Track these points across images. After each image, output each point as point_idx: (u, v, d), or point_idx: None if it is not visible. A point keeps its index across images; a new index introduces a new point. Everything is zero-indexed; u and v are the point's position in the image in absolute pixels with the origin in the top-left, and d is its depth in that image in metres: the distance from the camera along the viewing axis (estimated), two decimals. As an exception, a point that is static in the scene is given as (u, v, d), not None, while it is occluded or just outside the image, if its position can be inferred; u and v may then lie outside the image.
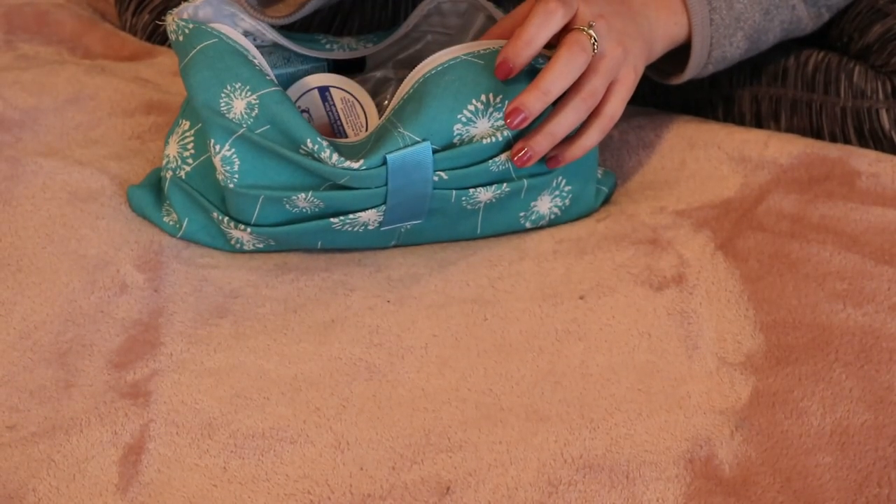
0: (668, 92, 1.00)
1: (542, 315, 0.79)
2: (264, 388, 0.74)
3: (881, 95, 0.91)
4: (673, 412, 0.71)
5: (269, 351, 0.77)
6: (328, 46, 0.89)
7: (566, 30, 0.79)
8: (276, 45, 0.88)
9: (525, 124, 0.77)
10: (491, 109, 0.79)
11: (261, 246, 0.84)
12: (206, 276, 0.83)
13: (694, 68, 0.89)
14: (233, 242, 0.84)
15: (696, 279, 0.80)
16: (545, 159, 0.81)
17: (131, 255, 0.83)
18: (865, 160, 0.88)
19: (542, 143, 0.79)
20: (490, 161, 0.79)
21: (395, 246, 0.86)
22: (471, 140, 0.79)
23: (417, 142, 0.77)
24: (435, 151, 0.78)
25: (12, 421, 0.72)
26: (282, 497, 0.67)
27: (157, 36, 1.12)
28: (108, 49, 1.10)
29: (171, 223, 0.85)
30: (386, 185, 0.77)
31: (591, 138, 0.81)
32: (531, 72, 0.80)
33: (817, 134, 0.94)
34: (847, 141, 0.93)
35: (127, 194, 0.88)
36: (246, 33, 0.83)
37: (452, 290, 0.81)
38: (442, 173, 0.79)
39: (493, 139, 0.78)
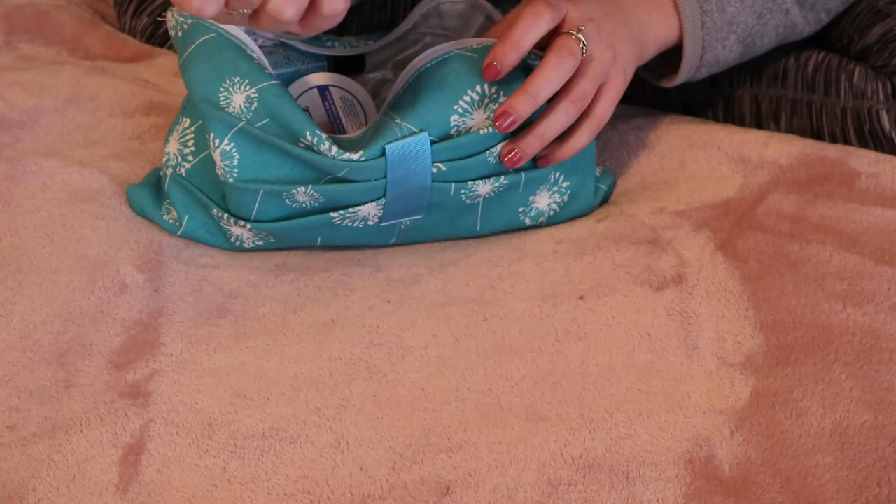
0: (668, 93, 1.00)
1: (542, 315, 0.79)
2: (264, 389, 0.74)
3: (881, 96, 0.91)
4: (673, 412, 0.71)
5: (269, 351, 0.77)
6: (329, 44, 0.90)
7: (556, 33, 0.80)
8: (277, 45, 0.88)
9: (513, 127, 0.78)
10: (486, 100, 0.79)
11: (260, 243, 0.84)
12: (206, 276, 0.83)
13: (686, 71, 0.89)
14: (232, 240, 0.84)
15: (695, 279, 0.80)
16: (535, 159, 0.82)
17: (131, 255, 0.83)
18: (865, 160, 0.88)
19: (532, 143, 0.80)
20: (487, 152, 0.79)
21: (395, 244, 0.86)
22: (468, 131, 0.79)
23: (415, 132, 0.77)
24: (433, 142, 0.78)
25: (12, 421, 0.72)
26: (282, 497, 0.67)
27: (157, 38, 1.12)
28: (108, 50, 1.10)
29: (170, 221, 0.85)
30: (385, 176, 0.77)
31: (581, 139, 0.82)
32: (525, 67, 0.80)
33: (817, 134, 0.94)
34: (847, 141, 0.93)
35: (126, 193, 0.88)
36: (249, 31, 0.83)
37: (452, 290, 0.81)
38: (440, 165, 0.79)
39: (490, 130, 0.79)
